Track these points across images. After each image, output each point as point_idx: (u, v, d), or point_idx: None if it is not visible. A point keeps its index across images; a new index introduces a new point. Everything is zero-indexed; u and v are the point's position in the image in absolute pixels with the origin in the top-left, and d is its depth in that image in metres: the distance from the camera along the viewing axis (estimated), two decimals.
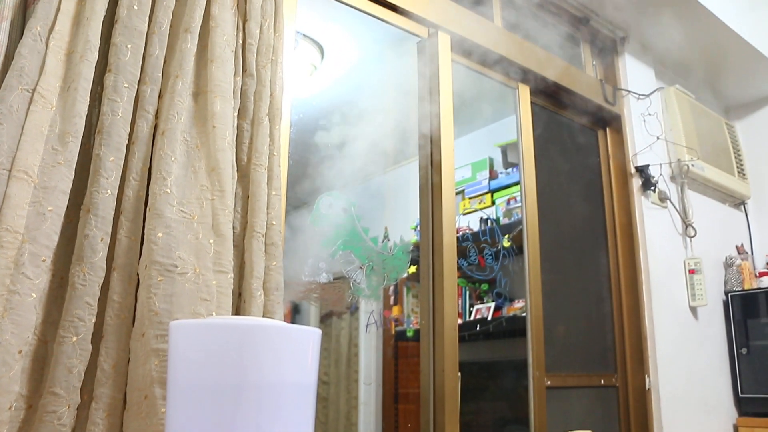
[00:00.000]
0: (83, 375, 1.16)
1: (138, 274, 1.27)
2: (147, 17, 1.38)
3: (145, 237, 1.27)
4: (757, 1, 3.53)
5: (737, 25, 3.17)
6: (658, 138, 3.13)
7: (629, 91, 3.09)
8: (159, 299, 1.21)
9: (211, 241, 1.31)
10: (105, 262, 1.22)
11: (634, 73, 3.17)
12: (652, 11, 2.96)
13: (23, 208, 1.12)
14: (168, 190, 1.28)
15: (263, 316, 1.36)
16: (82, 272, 1.18)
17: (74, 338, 1.15)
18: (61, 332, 1.15)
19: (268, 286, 1.39)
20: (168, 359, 0.92)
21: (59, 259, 1.22)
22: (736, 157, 3.62)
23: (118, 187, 1.27)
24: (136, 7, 1.36)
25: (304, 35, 2.66)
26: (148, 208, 1.29)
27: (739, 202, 3.71)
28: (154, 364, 1.18)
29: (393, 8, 2.19)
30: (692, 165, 3.16)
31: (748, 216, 3.73)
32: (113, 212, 1.25)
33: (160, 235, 1.25)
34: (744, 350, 3.21)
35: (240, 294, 1.39)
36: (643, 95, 3.14)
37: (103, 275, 1.21)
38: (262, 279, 1.38)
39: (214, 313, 1.28)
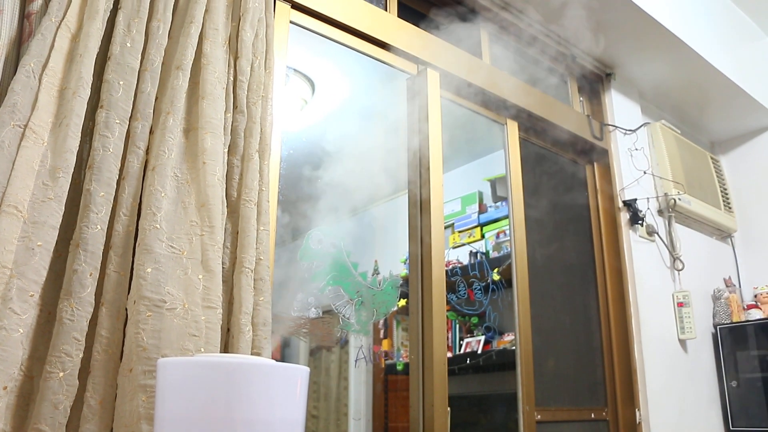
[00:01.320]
0: (69, 411, 1.15)
1: (126, 309, 1.27)
2: (139, 54, 1.40)
3: (134, 272, 1.27)
4: (738, 39, 3.62)
5: (720, 62, 3.24)
6: (645, 172, 3.17)
7: (616, 127, 3.13)
8: (147, 335, 1.21)
9: (200, 276, 1.32)
10: (93, 297, 1.22)
11: (621, 109, 3.22)
12: (636, 49, 3.02)
13: (12, 243, 1.13)
14: (158, 226, 1.28)
15: (251, 352, 1.36)
16: (71, 307, 1.18)
17: (61, 374, 1.14)
18: (48, 368, 1.14)
19: (256, 321, 1.39)
20: (155, 396, 0.92)
21: (47, 294, 1.21)
22: (722, 191, 3.66)
23: (107, 222, 1.27)
24: (129, 45, 1.38)
25: (295, 70, 2.69)
26: (137, 243, 1.29)
27: (725, 236, 3.74)
28: (141, 400, 1.17)
29: (382, 45, 2.23)
30: (679, 199, 3.20)
31: (735, 249, 3.76)
32: (102, 247, 1.25)
33: (149, 270, 1.25)
34: (734, 383, 3.21)
35: (228, 329, 1.39)
36: (629, 130, 3.19)
37: (92, 310, 1.21)
38: (251, 314, 1.38)
39: (202, 349, 1.28)
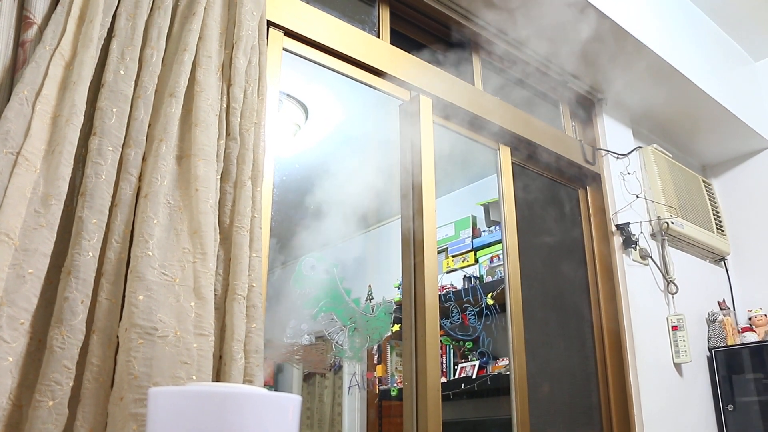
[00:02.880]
0: None
1: (118, 337, 1.26)
2: (133, 82, 1.41)
3: (125, 299, 1.26)
4: (727, 65, 3.66)
5: (709, 87, 3.27)
6: (637, 196, 3.18)
7: (608, 151, 3.15)
8: (139, 362, 1.20)
9: (192, 304, 1.31)
10: (85, 324, 1.21)
11: (613, 133, 3.24)
12: (627, 74, 3.06)
13: (3, 271, 1.12)
14: (150, 253, 1.28)
15: (244, 379, 1.35)
16: (61, 335, 1.17)
17: (50, 402, 1.13)
18: (37, 396, 1.13)
19: (248, 348, 1.38)
20: (146, 427, 0.91)
21: (38, 322, 1.21)
22: (714, 214, 3.68)
23: (99, 250, 1.27)
24: (122, 72, 1.39)
25: (289, 95, 2.71)
26: (129, 271, 1.29)
27: (719, 258, 3.75)
28: (132, 429, 1.16)
29: (375, 72, 2.25)
30: (672, 222, 3.21)
31: (729, 272, 3.77)
32: (94, 274, 1.25)
33: (140, 297, 1.24)
34: (730, 407, 3.20)
35: (221, 357, 1.38)
36: (621, 155, 3.21)
37: (83, 338, 1.20)
38: (243, 342, 1.37)
39: (194, 377, 1.27)
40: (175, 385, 1.21)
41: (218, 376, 1.37)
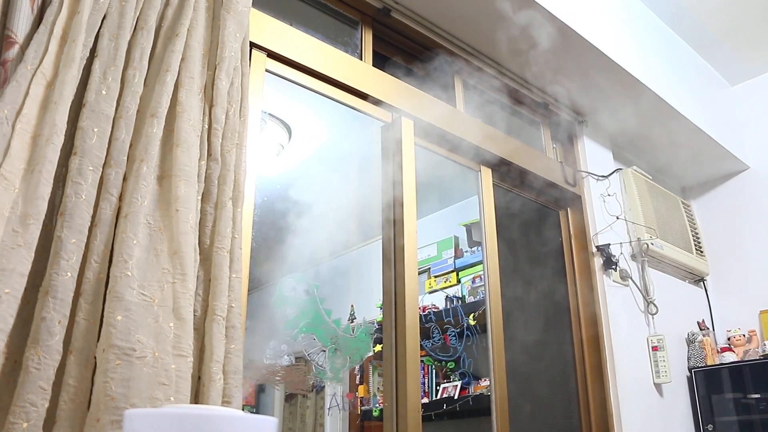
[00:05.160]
0: None
1: (95, 358, 1.25)
2: (115, 102, 1.41)
3: (104, 320, 1.25)
4: (704, 89, 3.73)
5: (687, 110, 3.33)
6: (617, 218, 3.22)
7: (588, 173, 3.19)
8: (116, 383, 1.19)
9: (171, 324, 1.31)
10: (62, 345, 1.20)
11: (593, 155, 3.28)
12: (607, 97, 3.10)
13: None
14: (129, 273, 1.27)
15: (222, 401, 1.34)
16: (37, 356, 1.16)
17: (25, 424, 1.12)
18: (11, 418, 1.12)
19: (227, 369, 1.38)
20: None
21: (14, 342, 1.19)
22: (693, 236, 3.72)
23: (78, 270, 1.26)
24: (104, 92, 1.40)
25: (272, 115, 2.72)
26: (108, 291, 1.28)
27: (698, 279, 3.79)
28: None
29: (357, 94, 2.27)
30: (651, 244, 3.24)
31: (708, 292, 3.81)
32: (72, 294, 1.24)
33: (119, 318, 1.24)
34: (710, 427, 3.22)
35: (200, 377, 1.37)
36: (602, 176, 3.25)
37: (59, 358, 1.19)
38: (222, 362, 1.36)
39: (172, 398, 1.26)
40: (153, 407, 1.20)
41: (197, 397, 1.36)
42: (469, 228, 3.37)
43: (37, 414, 1.14)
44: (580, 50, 2.74)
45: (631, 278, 3.16)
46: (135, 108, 1.44)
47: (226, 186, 1.52)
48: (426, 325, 2.68)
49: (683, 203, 3.80)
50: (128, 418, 0.88)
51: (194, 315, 1.39)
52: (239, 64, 1.68)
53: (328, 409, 3.22)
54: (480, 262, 3.18)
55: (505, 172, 2.83)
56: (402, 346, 2.09)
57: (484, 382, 3.00)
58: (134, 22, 1.52)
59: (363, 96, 2.28)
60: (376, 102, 2.31)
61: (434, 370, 3.23)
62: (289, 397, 3.73)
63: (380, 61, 2.47)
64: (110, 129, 1.39)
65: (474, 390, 3.05)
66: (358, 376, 3.37)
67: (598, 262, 3.05)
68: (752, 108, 3.97)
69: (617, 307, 3.02)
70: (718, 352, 3.48)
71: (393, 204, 2.27)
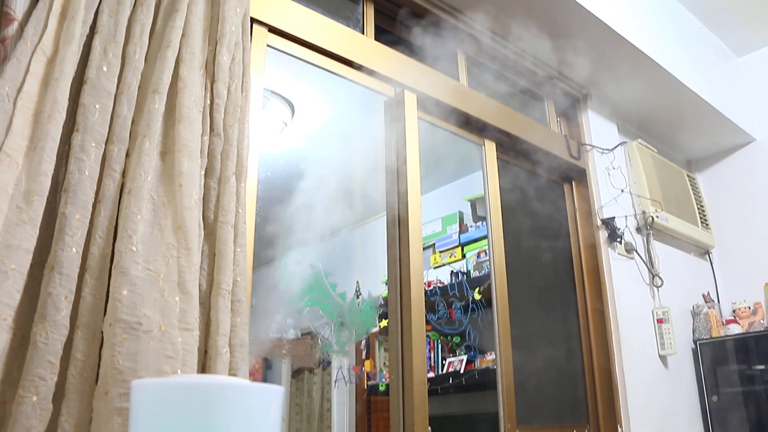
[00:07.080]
0: None
1: (102, 332, 1.26)
2: (116, 78, 1.41)
3: (109, 295, 1.26)
4: (710, 60, 3.69)
5: (693, 83, 3.30)
6: (622, 191, 3.21)
7: (593, 146, 3.18)
8: (123, 357, 1.21)
9: (177, 298, 1.31)
10: (68, 320, 1.21)
11: (598, 129, 3.26)
12: (611, 70, 3.08)
13: None
14: (134, 248, 1.28)
15: (228, 373, 1.36)
16: (45, 330, 1.17)
17: (34, 398, 1.13)
18: (21, 392, 1.13)
19: (233, 342, 1.39)
20: (130, 419, 0.92)
21: (21, 318, 1.20)
22: (698, 208, 3.71)
23: (83, 245, 1.27)
24: (105, 69, 1.39)
25: (275, 93, 2.71)
26: (113, 266, 1.29)
27: (703, 252, 3.79)
28: (117, 424, 1.16)
29: (360, 68, 2.25)
30: (657, 216, 3.24)
31: (713, 265, 3.81)
32: (78, 270, 1.25)
33: (125, 292, 1.24)
34: (715, 398, 3.23)
35: (206, 351, 1.38)
36: (606, 150, 3.23)
37: (67, 333, 1.20)
38: (228, 336, 1.38)
39: (179, 371, 1.27)
40: None
41: (203, 370, 1.37)
42: (473, 203, 3.37)
43: (46, 387, 1.15)
44: (584, 22, 2.71)
45: (636, 251, 3.16)
46: (136, 84, 1.44)
47: (229, 161, 1.52)
48: (431, 299, 2.69)
49: (688, 176, 3.78)
50: (136, 389, 0.88)
51: (200, 289, 1.40)
52: (240, 39, 1.68)
53: (335, 381, 3.25)
54: (485, 237, 3.19)
55: (510, 146, 2.82)
56: (407, 321, 2.10)
57: (490, 356, 3.01)
58: None
59: (365, 70, 2.26)
60: (379, 76, 2.29)
61: (440, 345, 3.25)
62: (296, 373, 3.76)
63: (382, 35, 2.45)
64: (112, 105, 1.38)
65: (480, 364, 3.07)
66: (364, 352, 3.40)
67: (603, 235, 3.05)
68: (758, 79, 3.93)
69: (622, 280, 3.02)
70: (723, 324, 3.49)
71: (397, 179, 2.27)
